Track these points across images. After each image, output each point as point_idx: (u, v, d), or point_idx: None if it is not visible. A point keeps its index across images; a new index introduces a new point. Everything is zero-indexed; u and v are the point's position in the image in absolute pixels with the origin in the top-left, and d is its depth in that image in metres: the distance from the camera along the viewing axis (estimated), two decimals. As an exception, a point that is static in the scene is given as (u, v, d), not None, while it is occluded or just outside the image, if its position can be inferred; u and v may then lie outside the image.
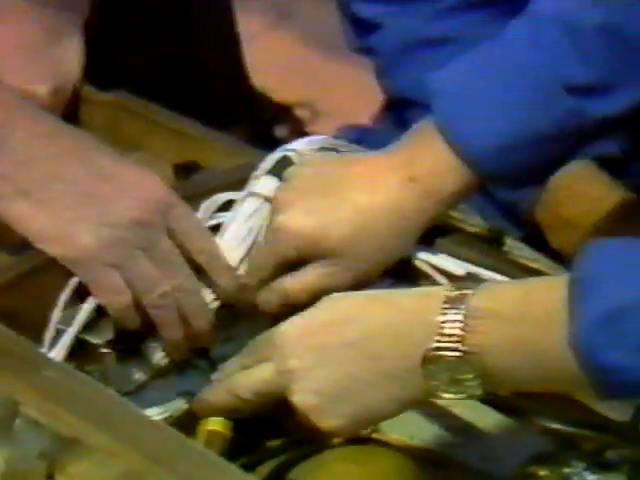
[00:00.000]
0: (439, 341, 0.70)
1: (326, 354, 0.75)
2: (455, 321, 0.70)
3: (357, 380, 0.74)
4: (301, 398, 0.75)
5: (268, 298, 0.86)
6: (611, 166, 1.12)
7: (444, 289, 0.73)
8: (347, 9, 1.20)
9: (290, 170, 0.88)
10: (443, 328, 0.70)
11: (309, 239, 0.83)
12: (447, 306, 0.71)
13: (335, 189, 0.85)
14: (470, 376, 0.70)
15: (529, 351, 0.70)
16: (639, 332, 0.69)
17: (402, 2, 1.18)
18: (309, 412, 0.75)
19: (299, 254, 0.84)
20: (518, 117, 0.84)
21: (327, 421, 0.75)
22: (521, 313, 0.71)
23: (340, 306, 0.77)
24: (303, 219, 0.84)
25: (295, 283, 0.84)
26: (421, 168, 0.84)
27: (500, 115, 0.84)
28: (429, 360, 0.71)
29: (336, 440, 0.81)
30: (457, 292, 0.72)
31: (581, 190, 1.08)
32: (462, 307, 0.70)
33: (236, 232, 0.87)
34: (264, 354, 0.78)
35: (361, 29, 1.20)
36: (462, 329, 0.70)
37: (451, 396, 0.72)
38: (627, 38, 0.84)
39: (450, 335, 0.70)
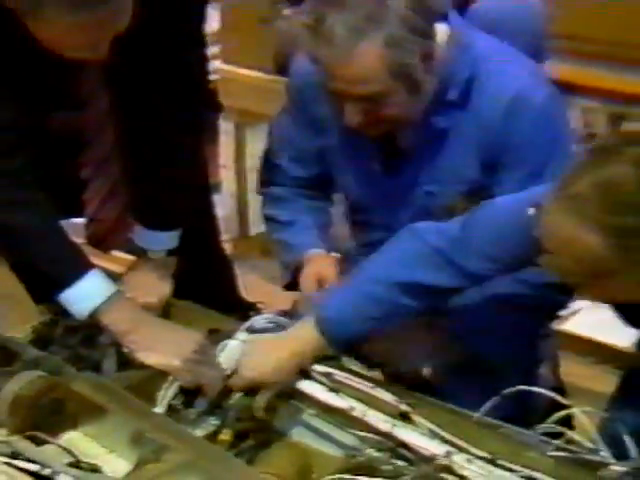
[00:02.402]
0: None
1: None
2: None
3: None
4: None
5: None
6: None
7: None
8: None
9: (249, 340, 1.47)
10: None
11: (252, 381, 1.42)
12: None
13: (262, 353, 1.44)
14: None
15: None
16: None
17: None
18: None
19: (250, 385, 1.42)
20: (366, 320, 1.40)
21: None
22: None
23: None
24: (248, 371, 1.44)
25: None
26: (298, 344, 1.43)
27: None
28: None
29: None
30: None
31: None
32: None
33: (225, 356, 1.48)
34: None
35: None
36: None
37: None
38: (428, 289, 1.38)
39: None
